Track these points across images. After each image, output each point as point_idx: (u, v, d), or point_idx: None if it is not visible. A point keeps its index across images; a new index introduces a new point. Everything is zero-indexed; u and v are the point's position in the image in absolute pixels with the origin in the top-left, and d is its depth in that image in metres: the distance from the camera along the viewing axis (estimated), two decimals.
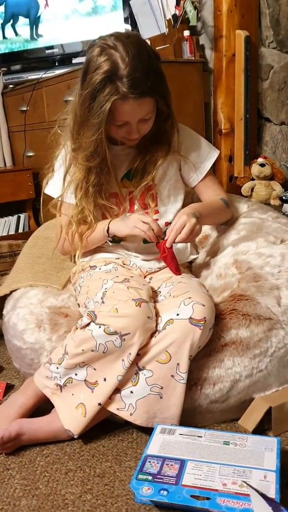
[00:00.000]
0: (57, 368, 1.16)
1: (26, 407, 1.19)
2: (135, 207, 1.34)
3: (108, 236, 1.30)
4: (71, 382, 1.14)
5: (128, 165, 1.33)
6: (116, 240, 1.34)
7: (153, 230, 1.21)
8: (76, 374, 1.13)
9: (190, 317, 1.08)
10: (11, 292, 1.43)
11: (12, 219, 2.66)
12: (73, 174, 1.27)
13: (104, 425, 1.15)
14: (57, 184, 1.32)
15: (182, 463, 0.95)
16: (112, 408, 1.11)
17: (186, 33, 2.09)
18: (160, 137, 1.30)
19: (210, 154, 1.40)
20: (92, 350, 1.09)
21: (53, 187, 1.35)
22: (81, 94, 1.17)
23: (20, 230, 2.67)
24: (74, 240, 1.33)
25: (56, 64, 2.53)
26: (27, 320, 1.31)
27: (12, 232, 2.65)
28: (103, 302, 1.16)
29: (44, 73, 2.40)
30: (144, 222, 1.22)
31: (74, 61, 2.41)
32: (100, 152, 1.21)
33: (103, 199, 1.30)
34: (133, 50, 1.12)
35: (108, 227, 1.29)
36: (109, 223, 1.29)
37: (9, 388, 1.39)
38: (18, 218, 2.68)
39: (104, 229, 1.30)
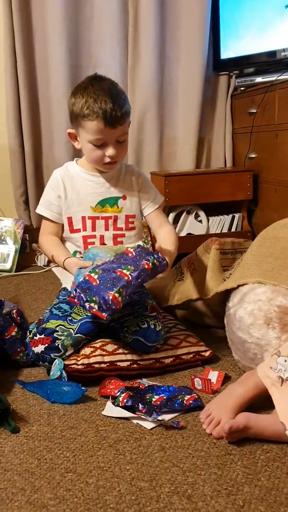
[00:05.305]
0: (285, 361, 1.15)
1: (244, 398, 1.21)
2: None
3: None
4: None
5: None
6: None
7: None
8: None
9: None
10: (238, 286, 1.47)
11: (227, 218, 2.73)
12: None
13: None
14: None
15: None
16: None
17: None
18: None
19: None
20: None
21: None
22: None
23: (233, 230, 2.73)
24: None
25: None
26: (255, 316, 1.33)
27: (225, 230, 2.73)
28: None
29: (280, 75, 2.39)
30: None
31: None
32: None
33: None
34: None
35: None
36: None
37: (226, 379, 1.43)
38: (233, 217, 2.74)
39: None
